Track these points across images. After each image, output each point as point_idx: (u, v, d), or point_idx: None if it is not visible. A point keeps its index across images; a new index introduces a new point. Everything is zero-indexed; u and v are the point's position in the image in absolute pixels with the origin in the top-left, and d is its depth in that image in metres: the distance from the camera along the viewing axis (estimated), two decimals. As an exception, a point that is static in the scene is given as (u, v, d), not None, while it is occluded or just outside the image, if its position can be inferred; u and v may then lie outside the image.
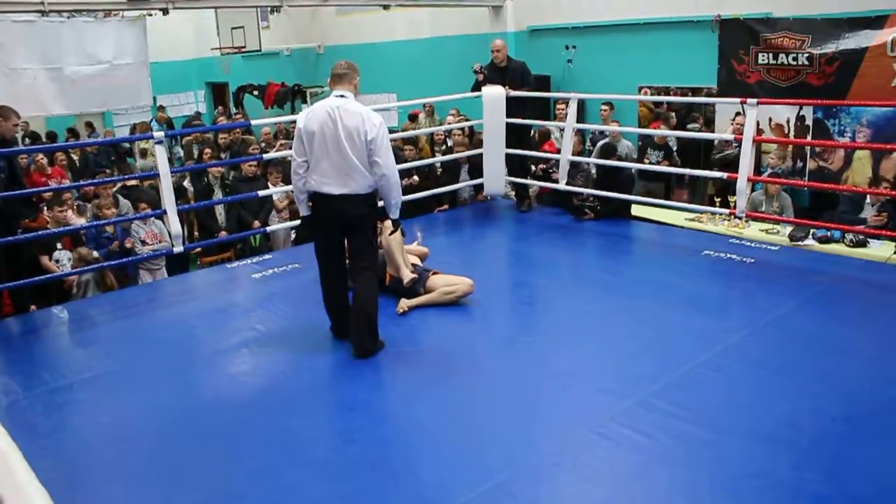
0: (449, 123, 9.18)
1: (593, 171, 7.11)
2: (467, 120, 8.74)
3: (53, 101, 11.09)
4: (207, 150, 9.18)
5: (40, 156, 9.14)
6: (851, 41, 7.33)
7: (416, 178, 7.55)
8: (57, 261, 6.19)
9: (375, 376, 3.91)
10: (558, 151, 7.20)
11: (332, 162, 3.90)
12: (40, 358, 4.44)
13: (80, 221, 6.77)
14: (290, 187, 6.99)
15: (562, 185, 6.93)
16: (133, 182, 7.62)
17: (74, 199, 7.40)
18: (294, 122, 9.57)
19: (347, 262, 4.22)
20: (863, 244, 6.04)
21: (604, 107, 8.96)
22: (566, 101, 7.11)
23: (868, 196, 6.44)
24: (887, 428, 3.16)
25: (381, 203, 4.20)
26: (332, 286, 4.20)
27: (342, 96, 3.98)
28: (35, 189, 5.41)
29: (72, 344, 4.82)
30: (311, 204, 4.12)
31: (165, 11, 10.82)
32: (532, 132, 8.06)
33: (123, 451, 3.30)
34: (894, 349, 3.90)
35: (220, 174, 7.69)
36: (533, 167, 7.54)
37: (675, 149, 8.30)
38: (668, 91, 9.30)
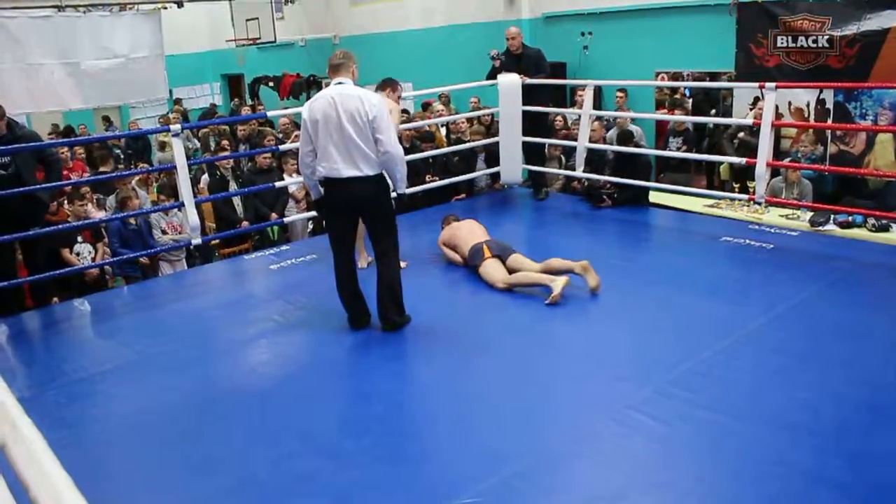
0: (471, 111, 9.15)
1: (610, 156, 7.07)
2: (486, 108, 8.69)
3: (71, 96, 11.19)
4: (224, 142, 9.22)
5: (62, 150, 9.20)
6: (873, 22, 7.23)
7: (436, 178, 7.46)
8: (78, 254, 6.25)
9: (392, 366, 3.93)
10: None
11: (337, 146, 3.98)
12: (63, 350, 4.50)
13: (100, 215, 6.83)
14: (300, 179, 7.05)
15: (579, 173, 6.90)
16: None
17: (93, 193, 7.46)
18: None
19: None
20: (885, 229, 5.97)
21: (619, 93, 8.90)
22: (585, 88, 7.07)
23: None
24: (911, 414, 3.13)
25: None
26: (345, 273, 4.25)
27: (340, 83, 4.09)
28: (43, 185, 5.38)
29: (93, 336, 4.87)
30: (322, 190, 4.22)
31: (180, 4, 10.88)
32: (549, 119, 8.03)
33: (145, 440, 3.34)
34: (917, 334, 3.86)
35: (232, 166, 7.71)
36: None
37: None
38: (683, 76, 9.22)
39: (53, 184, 5.65)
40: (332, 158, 4.00)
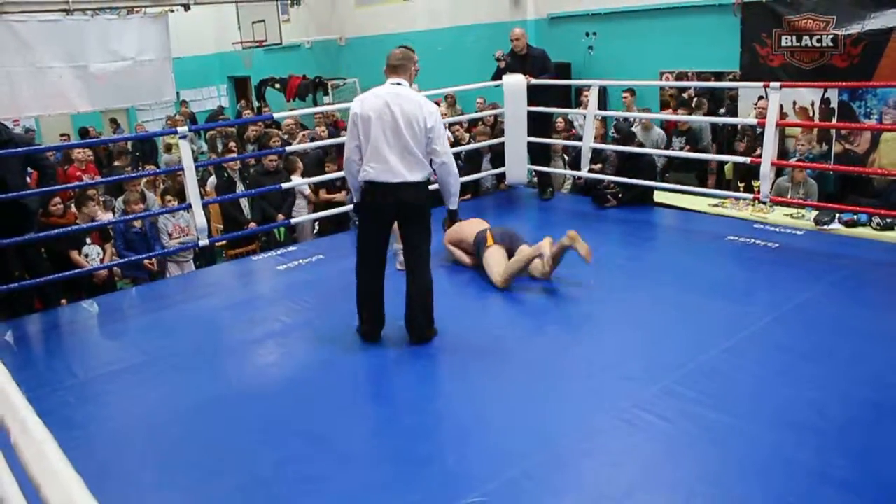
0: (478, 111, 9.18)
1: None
2: (493, 108, 8.71)
3: (79, 99, 11.25)
4: (232, 144, 9.26)
5: (79, 151, 9.27)
6: (877, 21, 7.22)
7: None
8: (86, 255, 6.29)
9: (399, 366, 3.95)
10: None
11: (392, 149, 3.84)
12: (72, 351, 4.53)
13: (107, 217, 6.87)
14: (311, 179, 7.10)
15: (584, 172, 6.92)
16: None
17: (101, 195, 7.50)
18: (318, 113, 9.72)
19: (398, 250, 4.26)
20: (890, 227, 5.97)
21: (625, 94, 8.90)
22: (589, 89, 7.09)
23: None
24: (915, 413, 3.13)
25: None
26: (372, 279, 4.08)
27: (398, 84, 3.95)
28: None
29: (102, 337, 4.90)
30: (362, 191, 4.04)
31: (187, 7, 10.92)
32: (554, 120, 8.05)
33: (154, 440, 3.37)
34: (922, 333, 3.86)
35: (239, 167, 7.75)
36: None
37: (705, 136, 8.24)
38: (687, 76, 9.20)
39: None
40: (385, 160, 3.84)
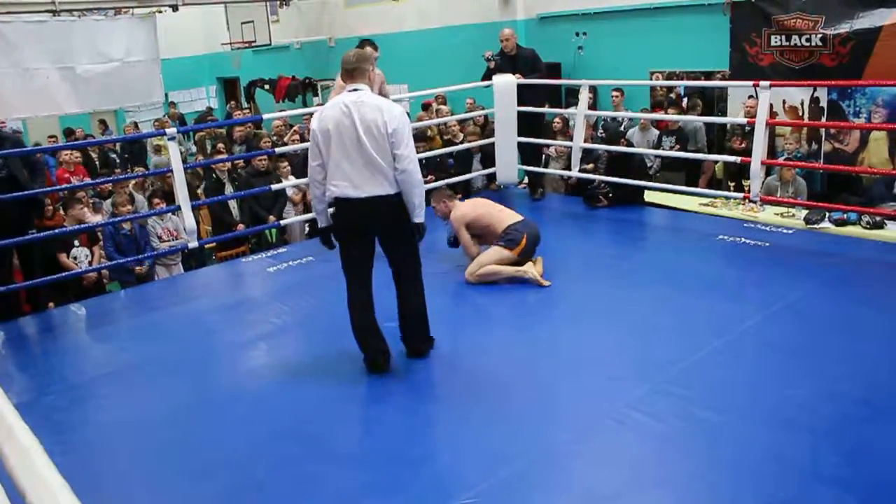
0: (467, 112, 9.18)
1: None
2: (482, 109, 8.72)
3: (67, 100, 11.18)
4: (220, 145, 9.22)
5: (67, 153, 9.22)
6: (866, 20, 7.24)
7: (431, 176, 7.51)
8: (75, 258, 6.25)
9: (391, 368, 3.92)
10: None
11: (352, 162, 3.52)
12: (61, 354, 4.50)
13: (97, 219, 6.83)
14: (301, 181, 7.07)
15: (574, 172, 6.92)
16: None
17: (90, 197, 7.46)
18: (307, 115, 9.69)
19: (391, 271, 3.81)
20: (880, 226, 5.99)
21: (614, 93, 8.91)
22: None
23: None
24: (906, 410, 3.14)
25: None
26: (362, 306, 3.73)
27: (356, 90, 3.62)
28: (40, 190, 5.38)
29: (91, 340, 4.87)
30: (332, 212, 3.78)
31: (175, 8, 10.87)
32: (551, 120, 8.07)
33: (144, 444, 3.34)
34: (912, 331, 3.87)
35: (228, 169, 7.72)
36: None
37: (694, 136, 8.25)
38: (677, 75, 9.22)
39: (51, 188, 5.67)
40: (347, 176, 3.54)
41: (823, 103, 7.73)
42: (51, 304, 5.53)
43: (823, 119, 7.72)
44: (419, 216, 3.67)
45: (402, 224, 3.67)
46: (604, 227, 6.30)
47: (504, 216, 5.01)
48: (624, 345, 3.94)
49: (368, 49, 4.38)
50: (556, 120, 8.25)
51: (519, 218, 5.01)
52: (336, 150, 3.55)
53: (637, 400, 3.32)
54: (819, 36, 7.55)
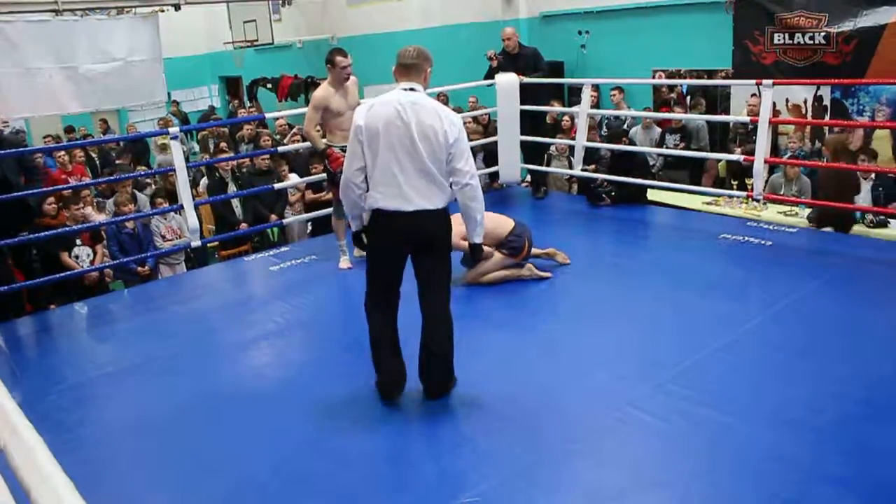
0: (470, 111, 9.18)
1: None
2: (484, 108, 8.72)
3: (69, 100, 11.17)
4: (223, 144, 9.23)
5: (60, 154, 9.22)
6: (869, 18, 7.24)
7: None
8: (77, 257, 6.26)
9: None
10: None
11: (404, 169, 3.18)
12: (63, 354, 4.51)
13: (101, 218, 6.84)
14: (303, 179, 7.07)
15: (577, 171, 6.92)
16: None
17: (94, 196, 7.47)
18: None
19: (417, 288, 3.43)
20: (883, 224, 5.99)
21: (613, 92, 8.92)
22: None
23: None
24: (910, 410, 3.13)
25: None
26: (386, 325, 3.41)
27: (412, 89, 3.29)
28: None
29: (94, 339, 4.88)
30: (368, 221, 3.38)
31: (177, 7, 10.86)
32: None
33: (148, 442, 3.35)
34: (916, 330, 3.87)
35: (232, 168, 7.72)
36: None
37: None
38: (680, 74, 9.21)
39: (41, 190, 5.65)
40: (397, 184, 3.18)
41: (827, 102, 7.73)
42: (52, 306, 5.53)
43: (827, 117, 7.72)
44: (478, 236, 3.44)
45: (446, 243, 3.38)
46: (607, 225, 6.30)
47: (501, 220, 4.92)
48: (627, 343, 3.94)
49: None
50: (566, 118, 8.24)
51: (512, 223, 4.92)
52: (385, 152, 3.19)
53: (640, 399, 3.32)
54: (822, 34, 7.54)
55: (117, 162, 9.54)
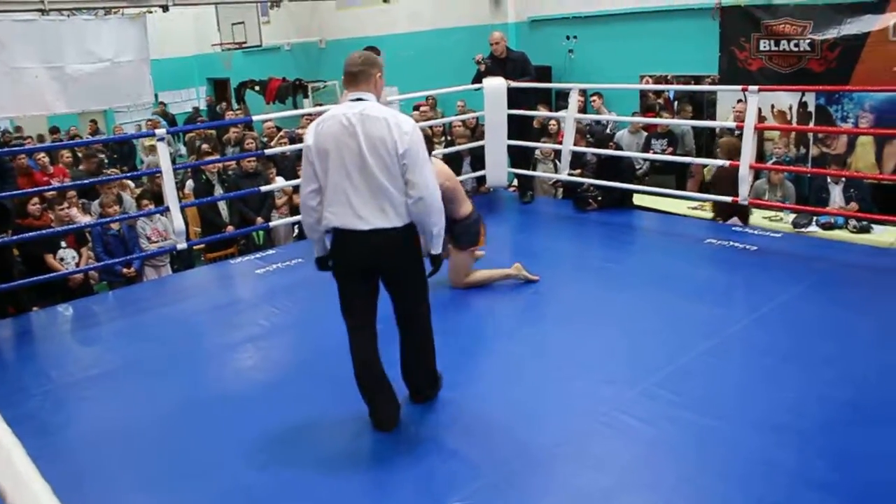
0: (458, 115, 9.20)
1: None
2: (472, 112, 8.73)
3: (55, 100, 11.11)
4: (205, 146, 9.17)
5: (40, 156, 9.15)
6: (853, 26, 7.31)
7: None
8: (62, 259, 6.21)
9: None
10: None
11: (356, 187, 2.99)
12: (47, 356, 4.47)
13: (86, 220, 6.80)
14: (290, 182, 7.04)
15: (564, 175, 6.93)
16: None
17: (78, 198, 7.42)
18: (306, 115, 9.64)
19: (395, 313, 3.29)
20: (866, 230, 6.05)
21: (593, 97, 8.97)
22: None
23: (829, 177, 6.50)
24: (894, 414, 3.15)
25: None
26: (365, 351, 3.21)
27: (359, 99, 3.07)
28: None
29: (78, 341, 4.83)
30: (330, 243, 3.21)
31: (165, 8, 10.81)
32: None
33: (131, 446, 3.32)
34: (899, 334, 3.90)
35: (218, 170, 7.69)
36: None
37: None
38: (667, 79, 9.25)
39: (26, 191, 5.61)
40: (348, 203, 3.00)
41: (811, 108, 7.79)
42: (35, 308, 5.47)
43: (811, 124, 7.78)
44: (437, 247, 3.20)
45: (412, 262, 3.18)
46: (593, 230, 6.31)
47: (461, 193, 4.74)
48: (613, 348, 3.95)
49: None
50: (552, 123, 8.27)
51: (471, 205, 4.83)
52: (335, 172, 3.00)
53: (626, 403, 3.32)
54: (807, 41, 7.61)
55: (80, 167, 9.40)
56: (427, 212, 3.06)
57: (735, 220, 6.16)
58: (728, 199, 6.24)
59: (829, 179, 6.52)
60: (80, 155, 10.93)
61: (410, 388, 3.42)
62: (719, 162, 6.52)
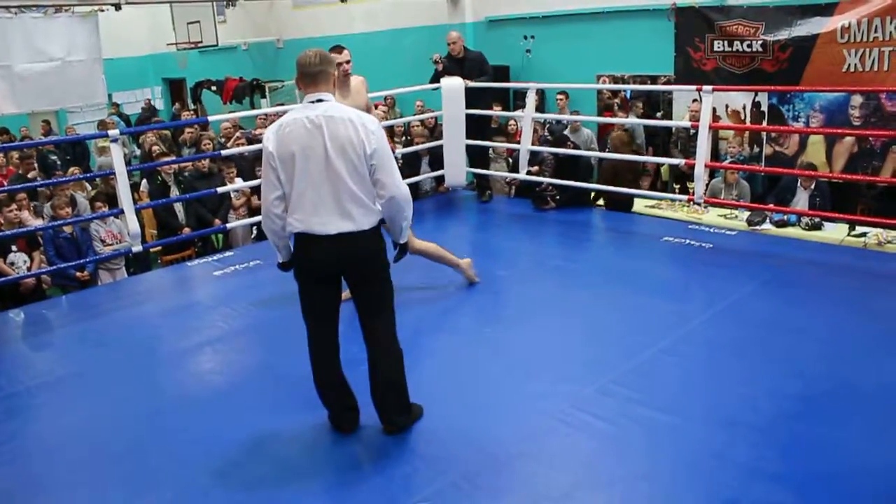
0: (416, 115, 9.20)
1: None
2: (430, 112, 8.75)
3: (3, 100, 10.88)
4: (155, 148, 9.03)
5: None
6: (803, 28, 7.47)
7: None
8: (12, 263, 6.06)
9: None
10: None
11: (319, 191, 2.91)
12: (-2, 363, 4.37)
13: (38, 223, 6.65)
14: (247, 183, 6.97)
15: (522, 175, 6.97)
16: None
17: (30, 200, 7.25)
18: (261, 115, 9.51)
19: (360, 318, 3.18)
20: (818, 227, 6.19)
21: (559, 96, 9.03)
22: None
23: (799, 181, 6.62)
24: (841, 407, 3.23)
25: None
26: (325, 356, 3.17)
27: (320, 101, 2.97)
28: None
29: (30, 347, 4.72)
30: (293, 248, 3.13)
31: (118, 7, 10.61)
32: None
33: (87, 454, 3.26)
34: (847, 330, 4.00)
35: (174, 171, 7.58)
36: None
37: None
38: (623, 79, 9.36)
39: None
40: (313, 208, 2.92)
41: (764, 108, 7.95)
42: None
43: (764, 123, 7.94)
44: (403, 237, 3.21)
45: (378, 267, 3.09)
46: (552, 228, 6.36)
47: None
48: (572, 346, 3.99)
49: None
50: (511, 122, 8.30)
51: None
52: (300, 178, 2.91)
53: (583, 400, 3.36)
54: (760, 42, 7.76)
55: (19, 172, 9.18)
56: (399, 208, 3.03)
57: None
58: (684, 197, 6.34)
59: (799, 182, 6.63)
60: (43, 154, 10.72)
61: (380, 412, 3.23)
62: (675, 161, 6.63)
